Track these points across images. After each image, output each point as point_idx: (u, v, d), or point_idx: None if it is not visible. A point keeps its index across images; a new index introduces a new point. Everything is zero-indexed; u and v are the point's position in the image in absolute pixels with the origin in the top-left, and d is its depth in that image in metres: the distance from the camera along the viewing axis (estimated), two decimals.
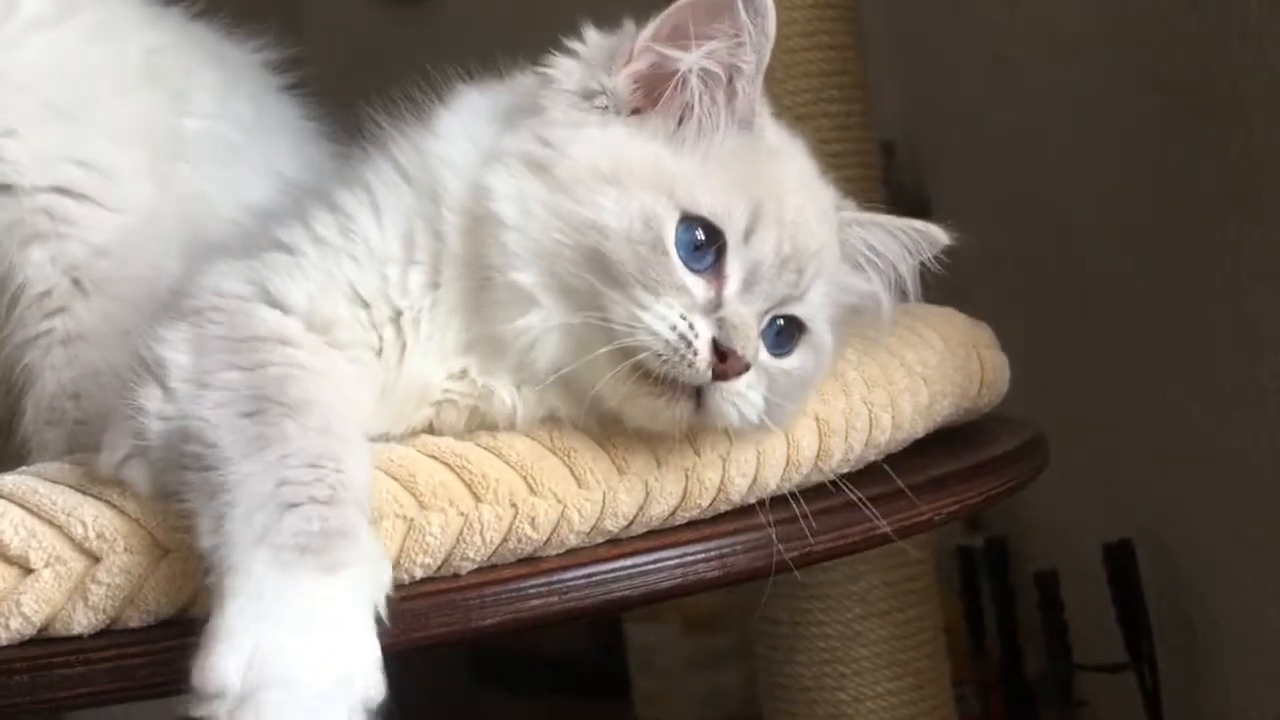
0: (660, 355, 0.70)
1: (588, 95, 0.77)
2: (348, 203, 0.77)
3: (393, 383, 0.75)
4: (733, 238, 0.74)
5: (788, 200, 0.77)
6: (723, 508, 0.79)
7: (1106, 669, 1.85)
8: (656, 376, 0.71)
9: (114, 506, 0.67)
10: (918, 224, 0.83)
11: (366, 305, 0.75)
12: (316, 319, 0.74)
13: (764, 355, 0.75)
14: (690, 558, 0.75)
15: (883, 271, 0.83)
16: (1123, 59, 1.79)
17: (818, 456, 0.82)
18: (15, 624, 0.65)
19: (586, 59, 0.78)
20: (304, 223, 0.77)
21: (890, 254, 0.83)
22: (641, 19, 0.77)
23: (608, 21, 0.81)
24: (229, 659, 0.59)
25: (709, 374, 0.71)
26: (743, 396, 0.73)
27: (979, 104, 2.15)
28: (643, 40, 0.76)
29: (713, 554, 0.75)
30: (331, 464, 0.65)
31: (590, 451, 0.74)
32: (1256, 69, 1.54)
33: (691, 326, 0.71)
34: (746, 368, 0.72)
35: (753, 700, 1.64)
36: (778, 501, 0.80)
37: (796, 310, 0.77)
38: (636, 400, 0.72)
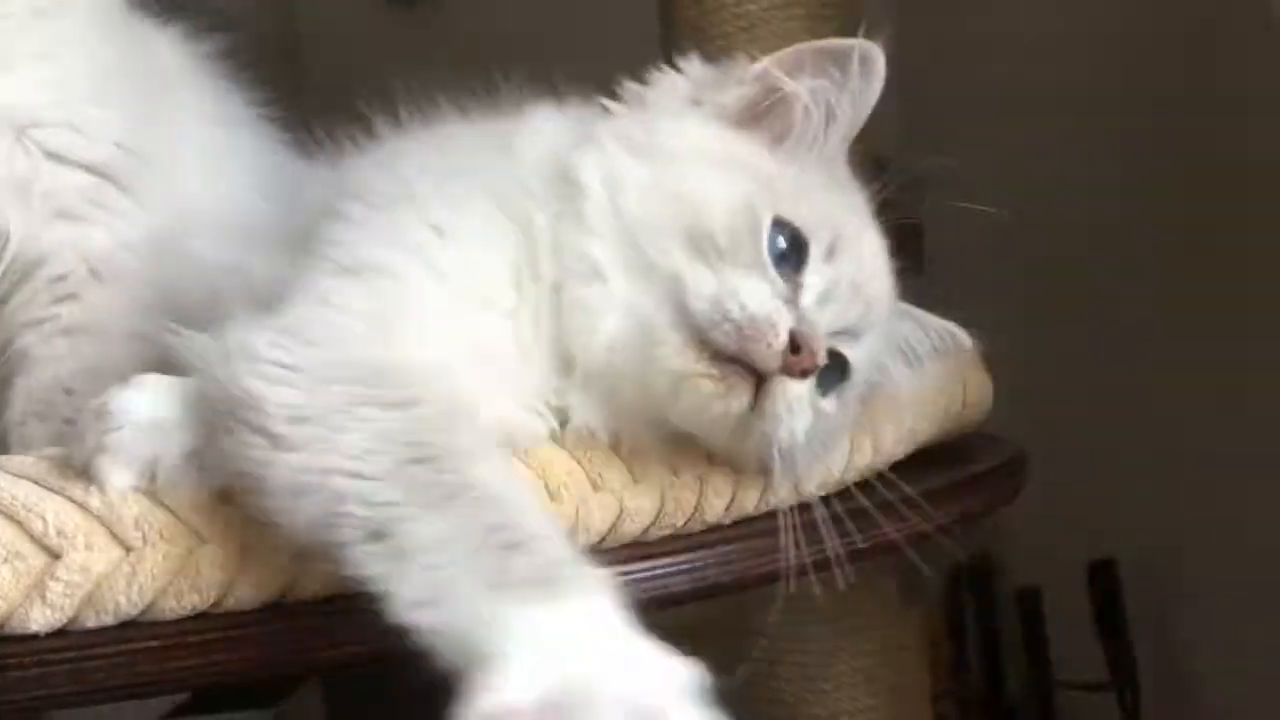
0: (741, 329, 0.69)
1: (695, 104, 0.79)
2: (447, 224, 0.73)
3: None
4: (816, 251, 0.74)
5: (864, 239, 0.78)
6: (697, 528, 0.78)
7: (1087, 687, 1.85)
8: (725, 355, 0.70)
9: (75, 503, 0.65)
10: (949, 325, 0.85)
11: (483, 354, 0.72)
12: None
13: (813, 382, 0.73)
14: (660, 571, 0.74)
15: (910, 363, 0.84)
16: (1121, 78, 1.79)
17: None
18: None
19: (694, 78, 0.81)
20: (409, 249, 0.72)
21: (920, 348, 0.84)
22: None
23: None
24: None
25: (780, 361, 0.69)
26: (801, 404, 0.71)
27: (975, 121, 2.15)
28: (759, 67, 0.79)
29: (683, 568, 0.75)
30: (524, 509, 0.59)
31: (565, 466, 0.73)
32: (1256, 87, 1.54)
33: (777, 309, 0.70)
34: (815, 368, 0.71)
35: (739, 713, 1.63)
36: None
37: (849, 350, 0.76)
38: (694, 385, 0.70)
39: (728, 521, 0.79)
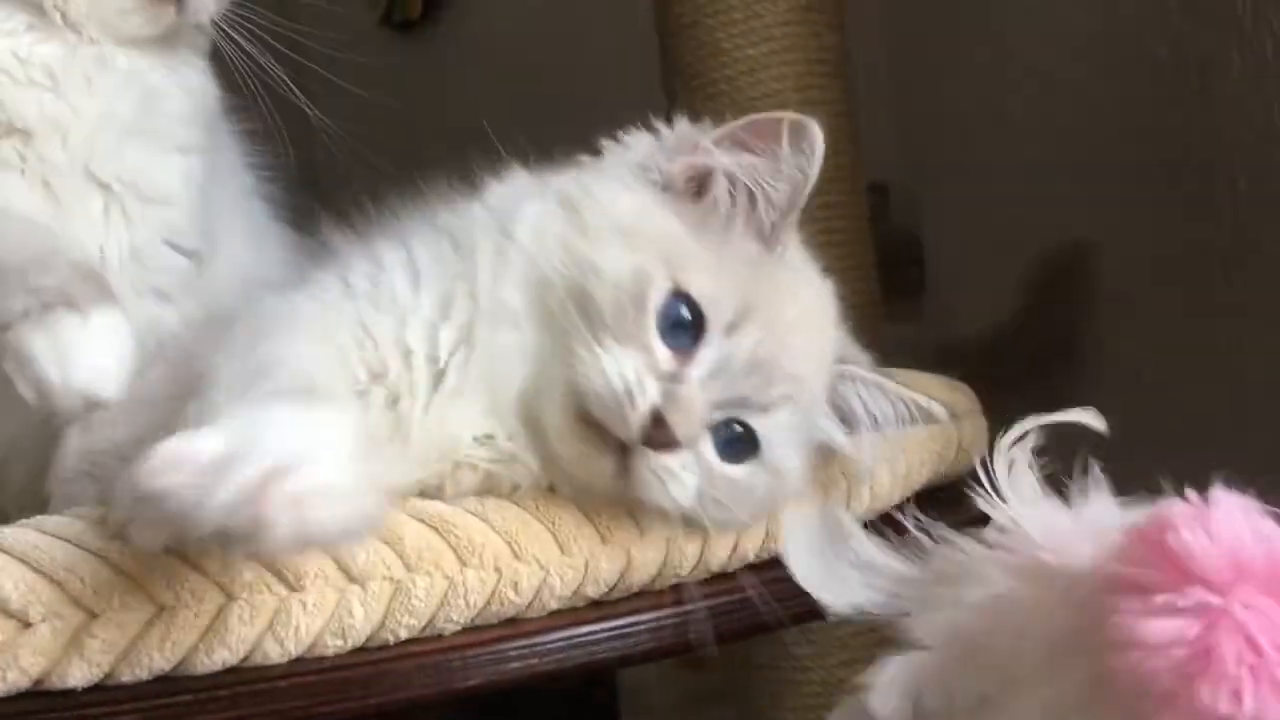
0: (602, 399, 0.73)
1: (644, 169, 0.82)
2: (385, 255, 0.80)
3: (409, 426, 0.77)
4: (714, 325, 0.76)
5: (782, 314, 0.79)
6: (703, 575, 0.81)
7: None
8: (594, 421, 0.73)
9: (112, 564, 0.69)
10: (920, 400, 0.84)
11: (376, 344, 0.77)
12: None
13: (709, 451, 0.76)
14: (667, 621, 0.77)
15: (870, 434, 0.84)
16: (1117, 102, 1.82)
17: None
18: (12, 676, 0.66)
19: (663, 139, 0.84)
20: (340, 272, 0.81)
21: (884, 421, 0.84)
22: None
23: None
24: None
25: (639, 436, 0.73)
26: (673, 476, 0.74)
27: (974, 146, 2.18)
28: (706, 140, 0.81)
29: (689, 617, 0.77)
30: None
31: (574, 519, 0.76)
32: (1241, 130, 1.57)
33: (641, 384, 0.73)
34: (675, 445, 0.73)
35: None
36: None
37: (755, 422, 0.77)
38: (570, 441, 0.75)
39: (731, 569, 0.82)
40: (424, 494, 0.77)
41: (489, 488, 0.78)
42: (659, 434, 0.72)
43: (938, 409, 0.85)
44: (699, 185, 0.81)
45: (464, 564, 0.73)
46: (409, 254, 0.80)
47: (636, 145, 0.84)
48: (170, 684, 0.68)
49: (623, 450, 0.74)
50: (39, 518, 0.75)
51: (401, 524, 0.73)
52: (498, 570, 0.73)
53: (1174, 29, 1.67)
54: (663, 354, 0.75)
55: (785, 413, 0.78)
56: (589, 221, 0.78)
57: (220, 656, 0.68)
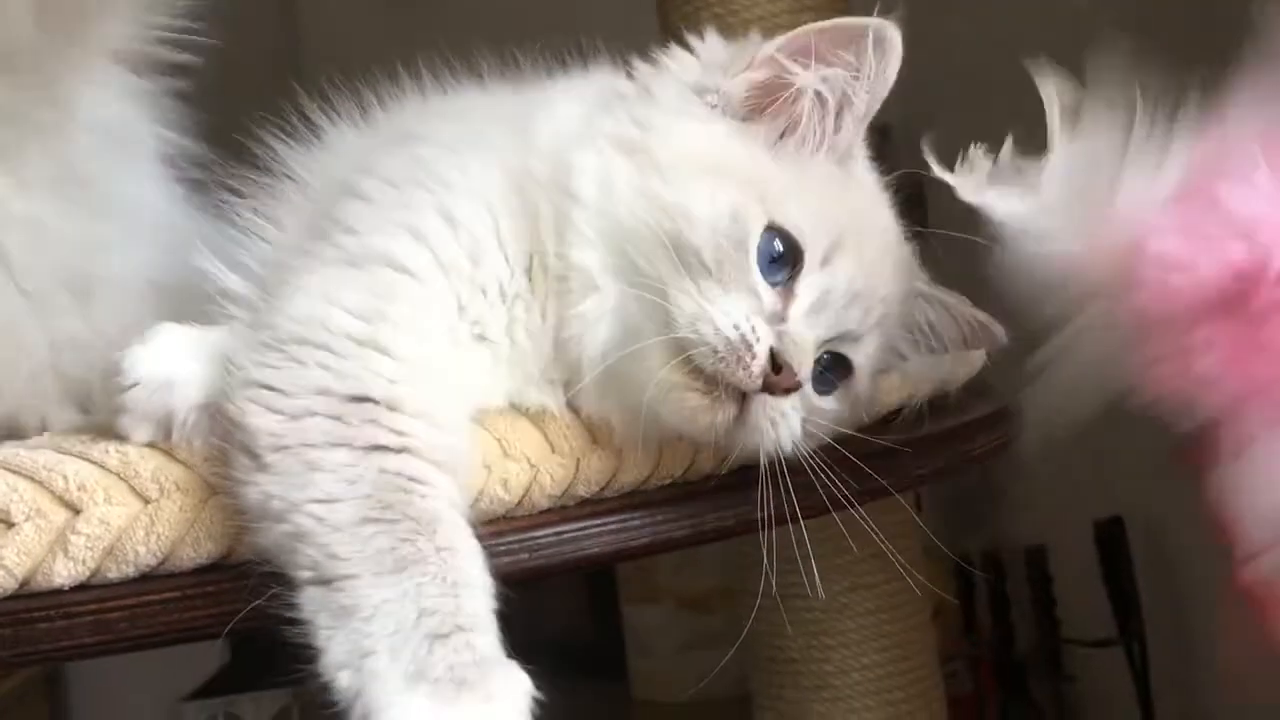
0: (717, 351, 0.69)
1: (700, 91, 0.77)
2: (469, 217, 0.73)
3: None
4: (811, 259, 0.73)
5: (869, 239, 0.76)
6: (694, 477, 0.79)
7: (1096, 643, 1.87)
8: (706, 374, 0.70)
9: (93, 462, 0.68)
10: (981, 316, 0.83)
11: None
12: (428, 364, 0.70)
13: (809, 388, 0.74)
14: (660, 518, 0.76)
15: (935, 352, 0.83)
16: (1123, 28, 1.80)
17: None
18: None
19: (706, 59, 0.78)
20: (420, 238, 0.72)
21: (947, 338, 0.83)
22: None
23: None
24: None
25: (760, 382, 0.70)
26: (785, 417, 0.72)
27: (979, 89, 2.15)
28: (767, 51, 0.76)
29: (683, 514, 0.76)
30: (466, 590, 0.63)
31: (565, 418, 0.75)
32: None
33: (754, 330, 0.70)
34: (798, 386, 0.71)
35: (747, 679, 1.65)
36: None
37: (850, 351, 0.76)
38: (681, 396, 0.71)
39: (723, 470, 0.80)
40: None
41: None
42: (779, 379, 0.70)
43: (997, 328, 0.82)
44: (761, 102, 0.76)
45: None
46: (484, 214, 0.73)
47: (679, 67, 0.78)
48: (157, 581, 0.68)
49: (741, 399, 0.71)
50: (16, 441, 0.75)
51: None
52: (488, 468, 0.72)
53: None
54: (766, 293, 0.71)
55: (874, 338, 0.77)
56: (664, 161, 0.73)
57: (206, 549, 0.68)
